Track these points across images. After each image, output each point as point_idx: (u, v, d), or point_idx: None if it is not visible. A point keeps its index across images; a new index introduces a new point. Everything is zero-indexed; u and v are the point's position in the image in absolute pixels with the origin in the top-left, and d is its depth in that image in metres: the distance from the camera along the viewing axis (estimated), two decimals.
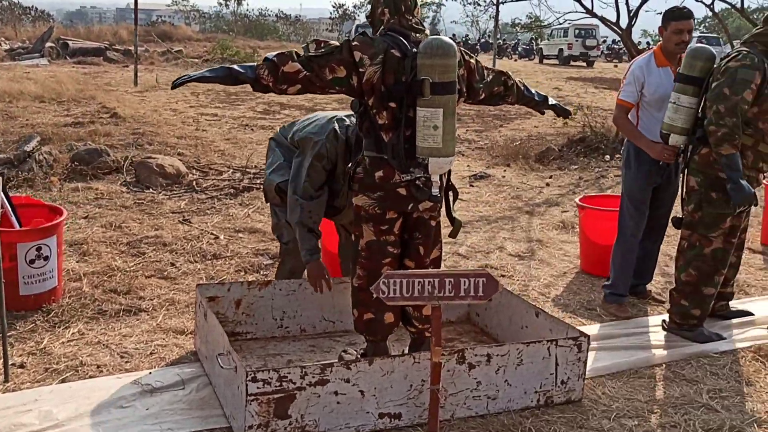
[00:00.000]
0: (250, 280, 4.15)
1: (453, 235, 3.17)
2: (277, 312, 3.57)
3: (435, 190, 2.89)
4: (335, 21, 51.73)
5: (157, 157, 6.95)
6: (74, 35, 27.51)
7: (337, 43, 2.89)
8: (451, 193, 3.16)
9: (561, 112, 3.49)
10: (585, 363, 3.13)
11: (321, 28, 57.05)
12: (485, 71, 3.14)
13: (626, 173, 4.10)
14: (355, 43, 2.85)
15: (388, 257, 3.06)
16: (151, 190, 6.43)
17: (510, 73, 3.24)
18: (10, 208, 3.78)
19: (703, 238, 3.71)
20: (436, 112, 2.76)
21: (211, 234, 5.27)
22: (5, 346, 3.09)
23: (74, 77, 14.35)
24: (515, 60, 33.60)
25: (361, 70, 2.83)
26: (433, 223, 3.09)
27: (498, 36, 33.65)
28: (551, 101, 3.43)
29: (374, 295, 2.67)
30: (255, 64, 2.84)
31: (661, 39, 3.98)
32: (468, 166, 8.46)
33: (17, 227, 3.77)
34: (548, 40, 31.41)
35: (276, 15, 57.95)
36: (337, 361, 2.78)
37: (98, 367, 3.22)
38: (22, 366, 3.19)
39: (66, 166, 6.70)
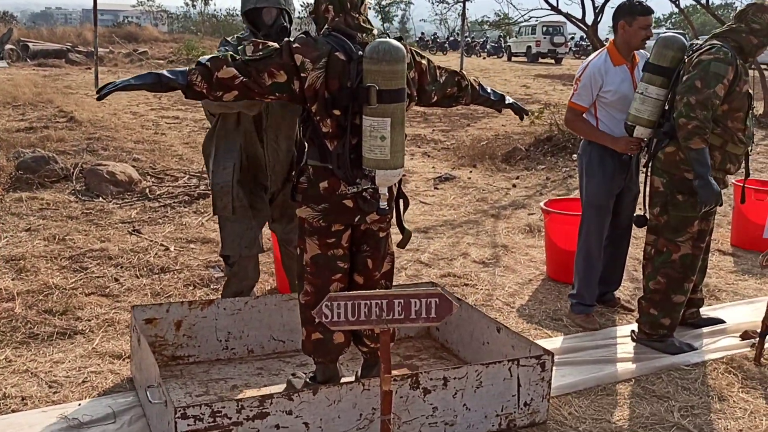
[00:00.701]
0: (191, 299, 3.90)
1: (402, 245, 2.96)
2: (222, 333, 3.33)
3: (383, 203, 2.68)
4: (304, 21, 51.24)
5: (107, 163, 6.64)
6: (37, 37, 26.85)
7: (277, 45, 2.66)
8: (401, 202, 2.95)
9: (518, 111, 3.30)
10: (549, 383, 2.94)
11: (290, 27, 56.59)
12: (438, 72, 2.92)
13: (588, 180, 3.91)
14: (296, 45, 2.62)
15: (338, 272, 2.83)
16: (101, 198, 6.13)
17: (464, 73, 3.04)
18: None
19: (670, 243, 3.55)
20: (383, 122, 2.54)
21: (161, 245, 5.00)
22: None
23: (33, 80, 13.91)
24: (484, 58, 33.55)
25: (302, 74, 2.60)
26: (382, 234, 2.87)
27: (466, 34, 33.70)
28: (508, 100, 3.23)
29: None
30: (187, 69, 2.60)
31: (615, 35, 3.80)
32: (433, 167, 8.27)
33: None
34: (516, 37, 31.43)
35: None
36: (277, 393, 2.54)
37: (23, 399, 2.94)
38: None
39: (10, 174, 6.36)
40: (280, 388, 3.06)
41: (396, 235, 2.88)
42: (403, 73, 2.55)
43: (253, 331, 3.38)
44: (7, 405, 2.89)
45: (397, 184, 2.88)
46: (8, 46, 21.78)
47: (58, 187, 6.38)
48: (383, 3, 50.51)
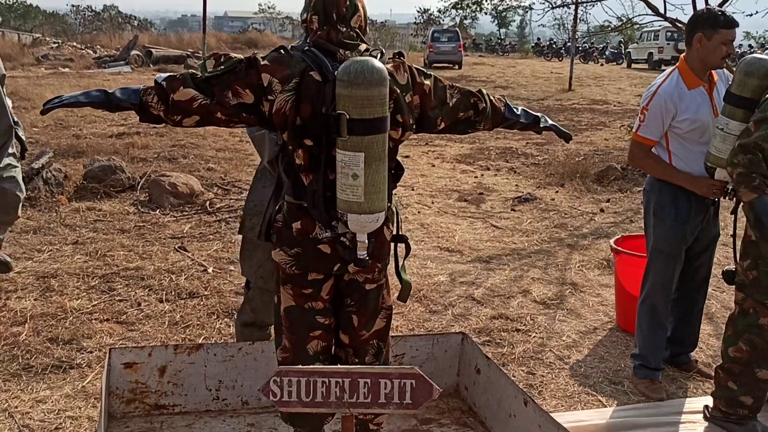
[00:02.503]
0: (177, 343, 3.54)
1: (402, 298, 2.49)
2: (212, 381, 2.97)
3: (362, 253, 2.21)
4: (420, 26, 51.18)
5: (171, 174, 6.53)
6: (165, 43, 28.16)
7: (240, 57, 2.25)
8: (401, 247, 2.47)
9: (560, 134, 2.71)
10: None
11: (407, 33, 56.74)
12: (447, 93, 2.41)
13: (656, 223, 3.26)
14: (264, 62, 2.20)
15: (317, 329, 2.40)
16: (159, 211, 6.01)
17: (483, 93, 2.50)
18: None
19: (758, 304, 2.87)
20: (355, 157, 2.08)
21: (200, 265, 4.76)
22: None
23: (149, 84, 14.38)
24: (602, 64, 31.98)
25: (270, 97, 2.18)
26: (369, 287, 2.40)
27: (585, 39, 32.20)
28: (545, 122, 2.63)
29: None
30: (141, 87, 2.25)
31: (688, 50, 3.13)
32: (516, 185, 7.66)
33: None
34: (637, 43, 29.73)
35: None
36: None
37: None
38: None
39: (78, 183, 6.37)
40: None
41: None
42: (381, 99, 2.07)
43: (248, 381, 3.01)
44: None
45: (395, 225, 2.42)
46: (134, 52, 22.94)
47: (122, 197, 6.34)
48: (500, 8, 49.50)
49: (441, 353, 3.24)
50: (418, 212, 6.41)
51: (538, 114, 2.66)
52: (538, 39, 41.91)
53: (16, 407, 2.98)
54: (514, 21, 54.72)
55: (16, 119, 4.06)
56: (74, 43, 28.72)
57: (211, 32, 40.17)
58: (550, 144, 10.26)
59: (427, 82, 2.35)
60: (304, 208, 2.26)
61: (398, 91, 2.24)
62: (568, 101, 16.27)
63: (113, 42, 29.82)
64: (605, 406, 3.22)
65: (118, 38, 31.47)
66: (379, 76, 2.05)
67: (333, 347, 2.54)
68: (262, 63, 2.18)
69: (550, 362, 3.63)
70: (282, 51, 2.25)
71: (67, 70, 19.41)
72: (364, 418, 2.52)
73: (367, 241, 2.20)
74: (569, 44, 37.80)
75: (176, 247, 5.15)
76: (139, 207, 6.08)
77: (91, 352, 3.47)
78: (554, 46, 36.49)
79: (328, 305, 2.40)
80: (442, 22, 49.45)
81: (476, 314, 4.19)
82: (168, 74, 2.23)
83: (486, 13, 51.72)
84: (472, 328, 3.97)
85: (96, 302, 4.06)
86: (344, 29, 2.26)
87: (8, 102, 4.00)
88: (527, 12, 50.59)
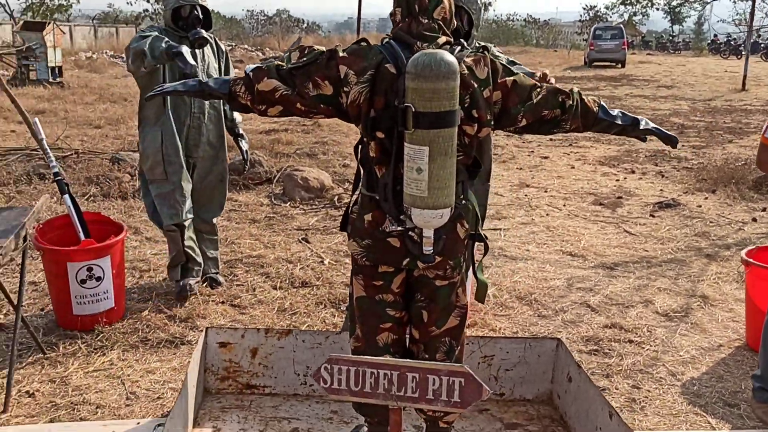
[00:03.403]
0: (268, 327, 3.68)
1: (479, 298, 2.43)
2: (300, 366, 3.06)
3: (427, 248, 2.18)
4: (585, 24, 49.35)
5: (303, 169, 6.78)
6: (327, 45, 29.19)
7: (323, 49, 2.30)
8: (479, 247, 2.41)
9: (665, 138, 2.51)
10: None
11: (572, 31, 54.96)
12: (534, 91, 2.31)
13: None
14: (343, 54, 2.23)
15: (387, 321, 2.40)
16: (289, 204, 6.26)
17: (574, 92, 2.37)
18: (77, 218, 3.71)
19: None
20: (420, 151, 2.05)
21: (318, 257, 4.91)
22: (10, 379, 2.97)
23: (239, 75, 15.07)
24: None
25: (346, 89, 2.21)
26: (440, 283, 2.36)
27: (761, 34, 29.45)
28: (645, 124, 2.45)
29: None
30: (231, 78, 2.36)
31: None
32: (661, 190, 7.18)
33: (83, 238, 3.69)
34: None
35: (524, 19, 57.05)
36: None
37: (97, 407, 2.97)
38: (31, 395, 3.06)
39: None
40: None
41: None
42: (449, 93, 2.03)
43: None
44: (79, 411, 2.93)
45: (470, 224, 2.36)
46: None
47: (259, 189, 6.68)
48: (673, 3, 46.59)
49: (534, 358, 3.12)
50: (547, 215, 6.20)
51: (639, 117, 2.48)
52: (715, 35, 38.96)
53: (128, 375, 3.24)
54: (689, 17, 51.35)
55: None
56: (246, 46, 30.60)
57: (372, 33, 41.21)
58: (708, 147, 9.54)
59: (509, 78, 2.27)
60: (376, 200, 2.28)
61: (475, 85, 2.19)
62: (739, 102, 15.01)
63: (281, 44, 31.44)
64: (714, 429, 2.95)
65: (286, 41, 33.16)
66: (447, 69, 2.01)
67: (407, 342, 2.53)
68: (341, 55, 2.22)
69: (660, 377, 3.37)
70: (362, 43, 2.27)
71: (236, 70, 20.74)
72: (433, 415, 2.49)
73: (433, 237, 2.17)
74: (753, 40, 34.93)
75: (300, 238, 5.35)
76: (272, 199, 6.38)
77: (202, 331, 3.69)
78: (732, 42, 33.74)
79: (399, 299, 2.39)
80: (609, 19, 47.47)
81: (588, 322, 3.98)
82: (256, 65, 2.33)
83: (658, 9, 49.01)
84: (581, 336, 3.79)
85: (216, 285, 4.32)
86: (426, 21, 2.23)
87: None
88: (704, 7, 47.22)
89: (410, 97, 2.05)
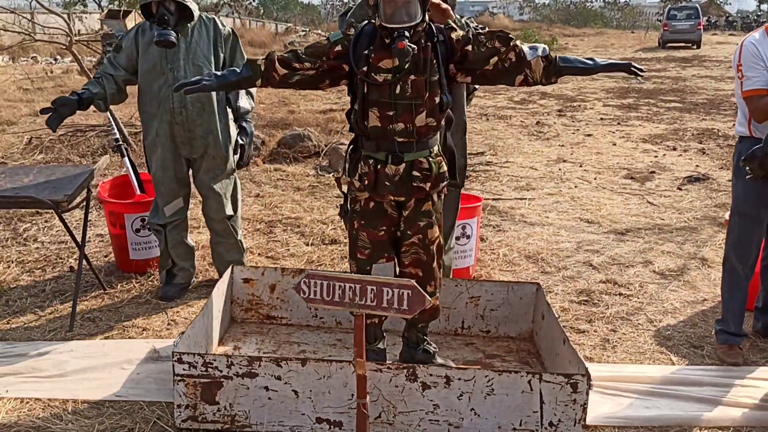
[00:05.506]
0: (285, 267, 4.20)
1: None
2: None
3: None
4: (665, 4, 47.77)
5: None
6: None
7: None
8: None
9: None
10: (583, 407, 2.60)
11: (653, 12, 53.41)
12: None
13: (735, 182, 3.25)
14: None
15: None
16: (333, 174, 6.79)
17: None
18: (134, 177, 4.31)
19: None
20: None
21: None
22: (74, 306, 3.61)
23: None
24: None
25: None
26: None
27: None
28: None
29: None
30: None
31: None
32: (696, 166, 7.33)
33: (138, 192, 4.29)
34: None
35: (604, 0, 55.81)
36: (266, 356, 2.70)
37: (143, 330, 3.57)
38: (92, 320, 3.69)
39: (272, 149, 7.39)
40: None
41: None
42: None
43: None
44: (128, 332, 3.54)
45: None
46: None
47: (306, 162, 7.23)
48: None
49: (516, 300, 3.53)
50: (575, 186, 6.50)
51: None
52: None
53: (171, 307, 3.83)
54: None
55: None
56: (319, 31, 31.37)
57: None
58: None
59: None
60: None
61: None
62: None
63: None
64: (674, 365, 3.29)
65: None
66: None
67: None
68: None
69: (638, 323, 3.72)
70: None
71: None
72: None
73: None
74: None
75: (337, 204, 5.86)
76: (318, 170, 6.92)
77: None
78: (747, 21, 32.06)
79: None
80: (682, 0, 45.82)
81: (586, 278, 4.33)
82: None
83: None
84: (576, 289, 4.15)
85: (256, 241, 4.88)
86: None
87: None
88: None
89: None
